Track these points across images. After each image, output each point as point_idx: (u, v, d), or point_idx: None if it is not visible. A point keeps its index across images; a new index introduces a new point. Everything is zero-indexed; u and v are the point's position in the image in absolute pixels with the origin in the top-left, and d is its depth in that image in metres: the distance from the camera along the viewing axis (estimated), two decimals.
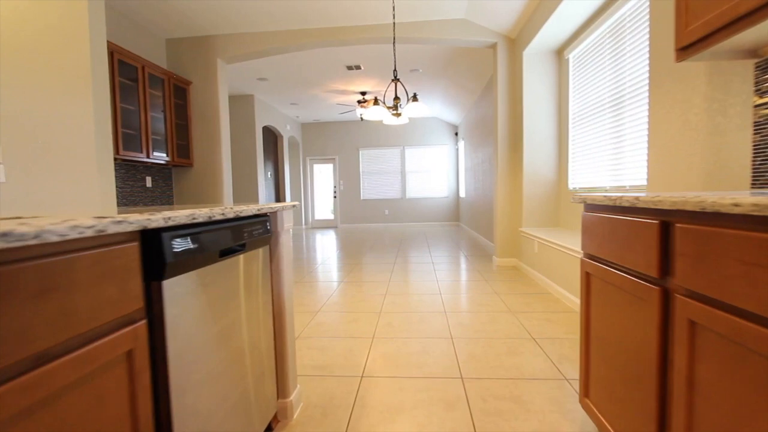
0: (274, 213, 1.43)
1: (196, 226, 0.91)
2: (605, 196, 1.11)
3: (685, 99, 1.78)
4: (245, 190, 7.33)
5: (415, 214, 10.07)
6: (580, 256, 2.48)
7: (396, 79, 3.23)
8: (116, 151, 3.48)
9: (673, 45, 1.45)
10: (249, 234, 1.19)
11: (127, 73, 3.71)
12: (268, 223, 1.35)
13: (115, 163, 3.79)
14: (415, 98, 3.16)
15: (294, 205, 1.50)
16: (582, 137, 3.53)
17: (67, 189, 2.45)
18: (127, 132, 3.67)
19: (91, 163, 2.89)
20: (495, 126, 4.47)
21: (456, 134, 9.86)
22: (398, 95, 3.20)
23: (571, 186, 3.78)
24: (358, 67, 5.76)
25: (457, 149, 9.80)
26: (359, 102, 7.26)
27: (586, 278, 1.28)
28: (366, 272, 4.26)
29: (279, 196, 8.99)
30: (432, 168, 10.03)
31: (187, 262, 0.87)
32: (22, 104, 2.11)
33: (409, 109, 3.08)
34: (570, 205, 3.76)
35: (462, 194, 9.18)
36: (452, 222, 9.99)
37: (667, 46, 1.89)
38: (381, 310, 2.87)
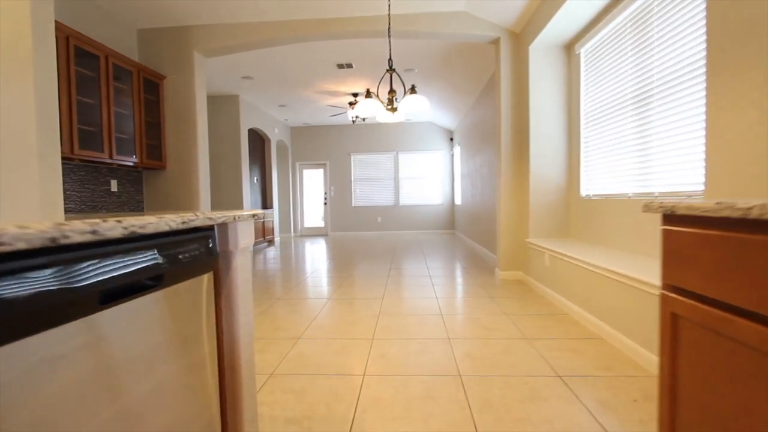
0: (224, 226, 1.02)
1: (35, 254, 0.50)
2: (718, 204, 0.73)
3: (759, 85, 1.42)
4: (229, 196, 6.87)
5: (408, 222, 9.68)
6: (645, 287, 2.10)
7: (391, 70, 2.85)
8: (70, 149, 3.03)
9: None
10: (170, 258, 0.78)
11: (86, 63, 3.28)
12: (211, 241, 0.94)
13: (70, 164, 3.34)
14: (413, 90, 2.77)
15: (254, 215, 1.09)
16: (596, 139, 3.18)
17: None
18: (85, 129, 3.22)
19: (31, 161, 2.44)
20: (497, 128, 4.11)
21: (451, 139, 9.54)
22: (393, 88, 2.81)
23: (583, 193, 3.42)
24: (349, 66, 5.39)
25: (452, 155, 9.47)
26: (351, 104, 6.89)
27: (672, 322, 0.88)
28: (357, 287, 3.84)
29: (266, 203, 8.55)
30: (426, 174, 9.68)
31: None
32: None
33: (406, 104, 2.70)
34: (583, 214, 3.39)
35: (457, 201, 8.82)
36: (447, 230, 9.62)
37: (735, 18, 1.53)
38: (373, 335, 2.45)
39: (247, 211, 1.07)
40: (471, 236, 7.09)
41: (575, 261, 2.70)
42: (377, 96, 2.88)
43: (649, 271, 2.04)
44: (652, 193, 2.47)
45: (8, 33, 2.33)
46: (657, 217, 2.38)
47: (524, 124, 3.84)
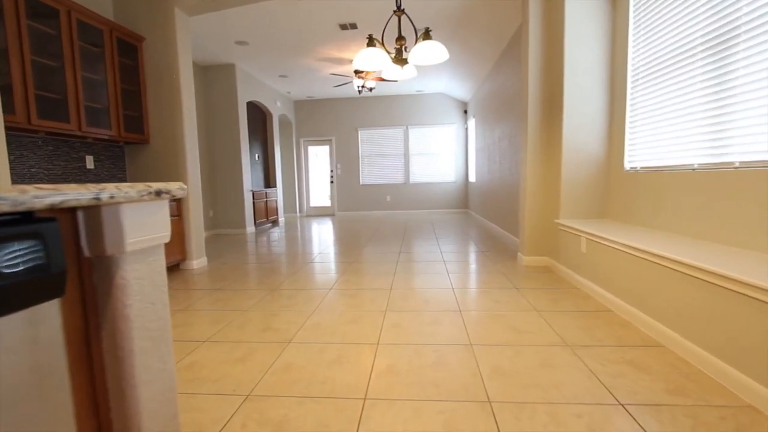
0: (92, 212, 0.57)
1: None
2: None
3: None
4: (227, 174, 6.45)
5: (419, 200, 9.19)
6: (747, 290, 1.61)
7: (400, 11, 2.30)
8: (26, 119, 2.60)
9: None
10: None
11: (41, 16, 2.81)
12: (52, 241, 0.49)
13: (33, 137, 2.92)
14: (427, 35, 2.22)
15: (165, 192, 0.63)
16: (648, 99, 2.62)
17: None
18: (44, 95, 2.78)
19: None
20: (523, 93, 3.55)
21: (465, 112, 8.90)
22: (403, 35, 2.27)
23: (628, 165, 2.89)
24: (353, 26, 4.81)
25: (467, 128, 8.85)
26: (356, 72, 6.31)
27: None
28: (362, 275, 3.42)
29: (269, 181, 8.12)
30: (438, 150, 9.10)
31: None
32: None
33: (419, 52, 2.13)
34: (627, 190, 2.88)
35: (472, 179, 8.28)
36: (460, 209, 9.12)
37: None
38: (379, 339, 2.03)
39: (145, 186, 0.61)
40: (487, 216, 6.59)
41: (624, 248, 2.21)
42: (382, 44, 2.34)
43: (746, 267, 1.55)
44: (731, 163, 1.95)
45: None
46: (760, 195, 1.87)
47: (556, 86, 3.27)
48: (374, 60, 2.19)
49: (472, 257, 4.03)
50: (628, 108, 2.87)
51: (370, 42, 2.20)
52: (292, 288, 3.07)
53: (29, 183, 2.92)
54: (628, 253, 2.20)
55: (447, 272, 3.42)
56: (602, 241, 2.49)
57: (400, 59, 2.31)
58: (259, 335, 2.13)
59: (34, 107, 2.64)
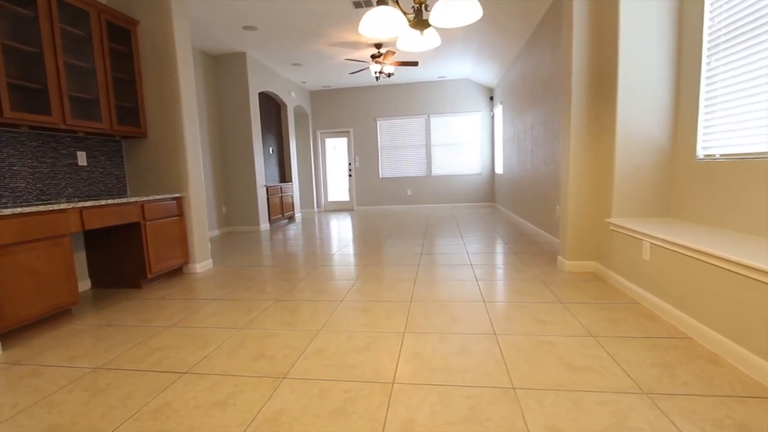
0: None
1: None
2: None
3: None
4: (239, 169, 6.16)
5: (442, 194, 8.69)
6: None
7: None
8: None
9: None
10: None
11: None
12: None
13: (14, 132, 2.62)
14: None
15: None
16: (733, 69, 2.07)
17: None
18: (19, 84, 2.48)
19: None
20: (566, 69, 3.02)
21: (491, 98, 8.30)
22: None
23: (702, 152, 2.34)
24: (368, 3, 4.35)
25: (493, 116, 8.26)
26: (373, 57, 5.86)
27: None
28: (379, 281, 3.01)
29: (284, 176, 7.82)
30: (462, 140, 8.55)
31: None
32: None
33: (443, 9, 1.63)
34: (701, 183, 2.34)
35: (499, 170, 7.71)
36: (486, 203, 8.56)
37: None
38: (395, 375, 1.62)
39: None
40: (517, 211, 6.04)
41: (709, 258, 1.71)
42: (396, 2, 1.86)
43: None
44: None
45: None
46: None
47: (607, 62, 2.74)
48: (386, 22, 1.73)
49: (504, 259, 3.55)
50: (704, 81, 2.31)
51: (381, 0, 1.75)
52: (298, 298, 2.70)
53: (10, 182, 2.65)
54: (715, 266, 1.69)
55: (475, 279, 2.97)
56: (674, 248, 1.98)
57: (420, 22, 1.86)
58: (250, 366, 1.76)
59: (6, 98, 2.34)
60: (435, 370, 1.64)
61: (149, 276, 3.12)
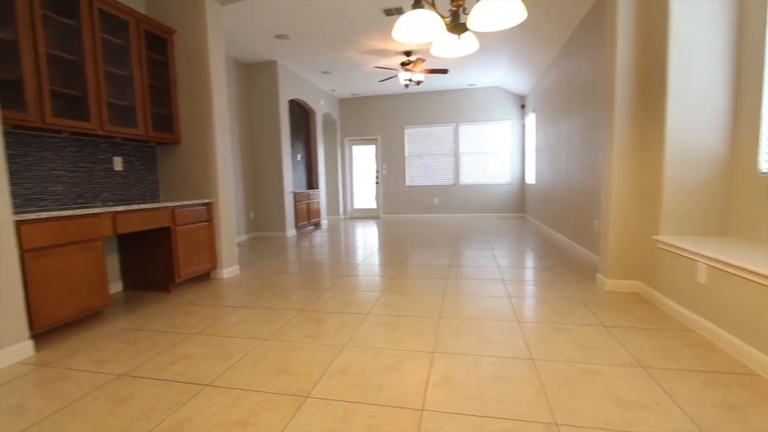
0: None
1: None
2: None
3: None
4: (268, 175, 6.22)
5: (469, 203, 8.50)
6: None
7: None
8: (39, 117, 2.38)
9: None
10: None
11: (58, 5, 2.59)
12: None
13: (55, 137, 2.70)
14: None
15: None
16: None
17: None
18: (61, 92, 2.56)
19: None
20: (609, 74, 2.85)
21: (523, 107, 8.08)
22: None
23: (766, 166, 2.12)
24: (399, 11, 4.31)
25: (524, 125, 8.03)
26: (403, 65, 5.81)
27: None
28: (405, 294, 2.91)
29: (311, 182, 7.86)
30: (492, 149, 8.35)
31: None
32: None
33: (483, 11, 1.51)
34: (760, 200, 2.12)
35: (530, 180, 7.47)
36: (515, 214, 8.30)
37: None
38: (424, 402, 1.51)
39: None
40: (549, 223, 5.80)
41: None
42: (432, 5, 1.77)
43: None
44: None
45: None
46: None
47: (654, 65, 2.55)
48: (422, 26, 1.65)
49: (537, 275, 3.37)
50: None
51: (417, 3, 1.68)
52: (323, 309, 2.63)
53: (50, 186, 2.73)
54: None
55: (508, 295, 2.82)
56: (738, 272, 1.78)
57: (457, 25, 1.77)
58: (272, 381, 1.69)
59: (48, 105, 2.42)
60: (468, 398, 1.52)
61: (178, 280, 3.15)
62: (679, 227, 2.48)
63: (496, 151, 8.32)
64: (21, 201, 2.55)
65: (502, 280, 3.23)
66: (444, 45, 2.04)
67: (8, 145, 2.46)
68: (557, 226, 5.31)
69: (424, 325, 2.29)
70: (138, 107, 3.11)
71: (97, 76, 2.75)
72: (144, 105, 3.16)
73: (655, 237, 2.54)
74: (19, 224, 2.04)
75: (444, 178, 8.61)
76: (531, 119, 7.26)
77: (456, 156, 8.50)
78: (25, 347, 2.04)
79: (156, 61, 3.36)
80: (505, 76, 7.18)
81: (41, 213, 2.14)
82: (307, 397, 1.56)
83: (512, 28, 4.79)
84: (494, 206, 8.37)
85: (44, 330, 2.18)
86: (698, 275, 2.10)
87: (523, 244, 4.93)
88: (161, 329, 2.37)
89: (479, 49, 5.69)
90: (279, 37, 5.05)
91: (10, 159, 2.48)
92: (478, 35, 5.06)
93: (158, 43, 3.37)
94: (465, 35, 1.97)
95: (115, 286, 3.25)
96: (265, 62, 6.07)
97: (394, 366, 1.80)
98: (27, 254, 2.08)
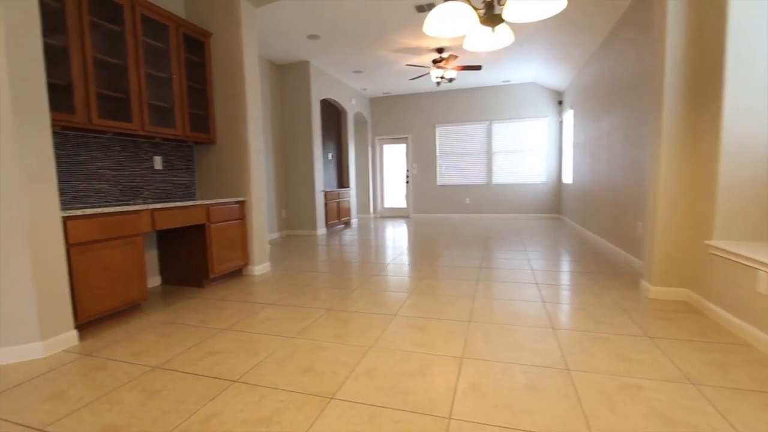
0: None
1: None
2: None
3: None
4: (300, 173, 6.32)
5: (502, 203, 8.27)
6: None
7: None
8: (86, 119, 2.51)
9: None
10: None
11: (104, 12, 2.72)
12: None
13: (101, 137, 2.85)
14: None
15: None
16: None
17: None
18: (107, 95, 2.69)
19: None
20: (659, 63, 2.65)
21: (560, 103, 7.76)
22: None
23: None
24: (430, 7, 4.24)
25: (561, 122, 7.71)
26: (435, 62, 5.72)
27: None
28: (435, 296, 2.85)
29: (342, 181, 7.91)
30: (526, 147, 8.08)
31: None
32: None
33: (519, 4, 1.43)
34: None
35: (567, 180, 7.16)
36: (551, 214, 8.00)
37: None
38: (452, 410, 1.45)
39: None
40: (588, 225, 5.53)
41: None
42: None
43: None
44: None
45: None
46: None
47: (709, 55, 2.35)
48: (454, 19, 1.59)
49: (574, 279, 3.21)
50: None
51: None
52: (351, 309, 2.62)
53: (96, 184, 2.88)
54: None
55: (542, 300, 2.69)
56: None
57: (491, 17, 1.69)
58: (298, 380, 1.69)
59: (95, 107, 2.55)
60: (498, 407, 1.45)
61: (211, 276, 3.24)
62: (736, 232, 2.27)
63: (531, 149, 8.04)
64: (69, 198, 2.70)
65: (536, 284, 3.10)
66: (477, 39, 1.97)
67: (57, 146, 2.61)
68: (596, 228, 5.05)
69: (454, 329, 2.22)
70: (176, 108, 3.23)
71: (139, 78, 2.87)
72: (182, 106, 3.27)
73: (708, 241, 2.34)
74: (65, 220, 2.15)
75: (476, 177, 8.42)
76: (569, 116, 6.96)
77: (489, 154, 8.30)
78: (71, 336, 2.15)
79: (193, 63, 3.48)
80: (541, 71, 6.91)
81: (86, 210, 2.26)
82: (332, 398, 1.55)
83: (549, 18, 4.60)
84: (528, 206, 8.09)
85: (87, 320, 2.30)
86: (758, 285, 1.91)
87: (558, 246, 4.73)
88: (193, 323, 2.44)
89: (514, 44, 5.51)
90: (311, 37, 5.10)
91: (59, 158, 2.63)
92: (513, 27, 4.89)
93: (195, 46, 3.48)
94: (499, 27, 1.89)
95: (154, 281, 3.39)
96: (298, 62, 6.16)
97: (422, 370, 1.76)
98: (73, 248, 2.20)
